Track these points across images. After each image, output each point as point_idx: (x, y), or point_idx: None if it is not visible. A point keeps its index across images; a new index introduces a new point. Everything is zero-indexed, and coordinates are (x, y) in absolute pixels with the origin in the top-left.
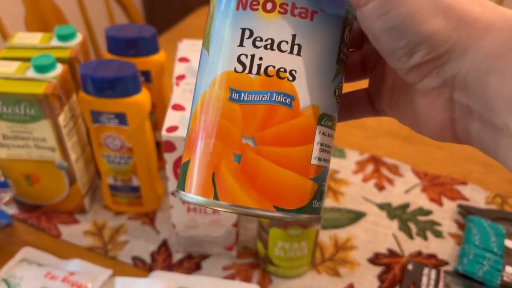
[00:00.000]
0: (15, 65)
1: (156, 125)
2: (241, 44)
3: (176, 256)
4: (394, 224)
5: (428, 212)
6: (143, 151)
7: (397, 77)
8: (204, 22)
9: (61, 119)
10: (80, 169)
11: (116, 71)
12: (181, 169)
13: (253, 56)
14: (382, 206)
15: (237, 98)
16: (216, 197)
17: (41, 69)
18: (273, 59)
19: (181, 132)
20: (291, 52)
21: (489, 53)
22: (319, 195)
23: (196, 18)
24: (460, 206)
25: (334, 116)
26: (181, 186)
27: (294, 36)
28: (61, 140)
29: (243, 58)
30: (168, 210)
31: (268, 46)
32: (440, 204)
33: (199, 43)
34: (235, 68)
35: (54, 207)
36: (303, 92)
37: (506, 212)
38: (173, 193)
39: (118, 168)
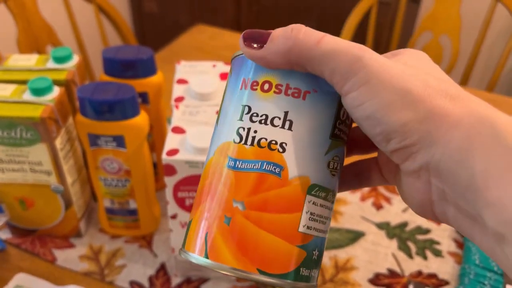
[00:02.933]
0: (11, 88)
1: (153, 146)
2: (240, 119)
3: (175, 280)
4: (394, 243)
5: (427, 231)
6: (141, 173)
7: None
8: (196, 42)
9: (58, 142)
10: (76, 192)
11: (115, 94)
12: (187, 227)
13: (249, 129)
14: (381, 226)
15: (232, 165)
16: (206, 255)
17: (37, 92)
18: (266, 132)
19: (182, 156)
20: (283, 127)
21: (458, 147)
22: (308, 263)
23: (188, 37)
24: None
25: (329, 188)
26: (184, 244)
27: (286, 113)
28: (57, 164)
29: (241, 131)
30: (165, 233)
31: (263, 121)
32: (438, 223)
33: (196, 64)
34: (234, 139)
35: (49, 231)
36: (292, 163)
37: None
38: (173, 216)
39: (115, 191)
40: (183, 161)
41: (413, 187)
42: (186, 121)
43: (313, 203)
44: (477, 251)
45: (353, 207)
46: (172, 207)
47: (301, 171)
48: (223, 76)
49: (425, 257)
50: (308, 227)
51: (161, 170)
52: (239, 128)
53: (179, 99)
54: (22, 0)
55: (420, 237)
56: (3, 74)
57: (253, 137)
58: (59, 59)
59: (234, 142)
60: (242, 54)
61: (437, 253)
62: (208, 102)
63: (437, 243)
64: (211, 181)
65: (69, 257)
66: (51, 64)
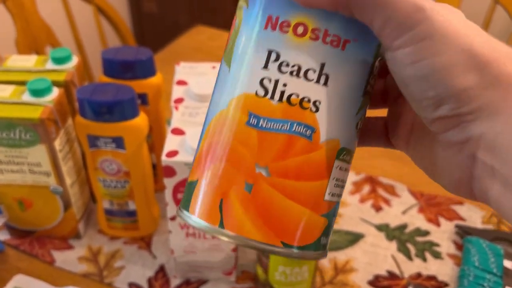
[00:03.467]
0: (10, 88)
1: (153, 148)
2: (265, 67)
3: (174, 282)
4: (393, 245)
5: (426, 233)
6: (140, 175)
7: (418, 119)
8: (196, 43)
9: (57, 143)
10: (75, 194)
11: (114, 95)
12: (187, 187)
13: (277, 81)
14: (380, 227)
15: (255, 123)
16: (221, 225)
17: (37, 93)
18: (298, 87)
19: (181, 157)
20: (318, 81)
21: None
22: (328, 231)
23: (187, 38)
24: (457, 226)
25: (353, 150)
26: (185, 205)
27: (322, 65)
28: (56, 165)
29: (266, 82)
30: (164, 234)
31: (294, 73)
32: (438, 224)
33: (196, 65)
34: (256, 91)
35: (47, 232)
36: (325, 125)
37: (503, 232)
38: (173, 218)
39: (114, 192)
40: (183, 163)
41: (452, 162)
42: (186, 123)
43: (340, 168)
44: (476, 253)
45: (352, 209)
46: (172, 209)
47: (333, 133)
48: None
49: (424, 259)
50: (332, 194)
51: (160, 171)
52: (263, 78)
53: (179, 101)
54: (21, 0)
55: (420, 239)
56: (2, 75)
57: (282, 92)
58: (58, 60)
59: (257, 95)
60: None
61: (437, 255)
62: (207, 104)
63: (437, 245)
64: (225, 139)
65: (68, 259)
66: (50, 65)
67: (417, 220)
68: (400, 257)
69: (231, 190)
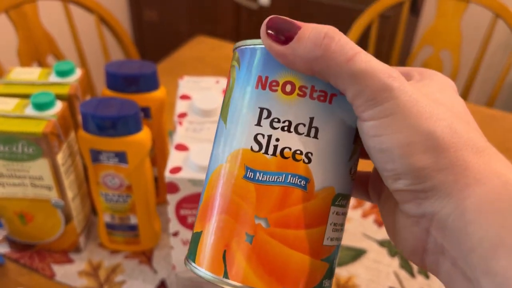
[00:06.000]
0: (13, 102)
1: (155, 161)
2: (258, 124)
3: None
4: (395, 261)
5: None
6: (142, 189)
7: None
8: (197, 53)
9: (59, 157)
10: (76, 207)
11: (118, 110)
12: (193, 238)
13: (270, 137)
14: (383, 243)
15: (252, 177)
16: (226, 275)
17: (40, 106)
18: (289, 141)
19: (185, 173)
20: (308, 135)
21: (474, 206)
22: (329, 274)
23: (189, 48)
24: None
25: (349, 195)
26: (192, 256)
27: (311, 119)
28: (58, 179)
29: (260, 138)
30: (165, 248)
31: (286, 128)
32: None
33: (199, 80)
34: (251, 146)
35: (48, 246)
36: (319, 174)
37: None
38: (175, 234)
39: (116, 207)
40: (186, 179)
41: (408, 231)
42: (190, 138)
43: (336, 213)
44: None
45: (354, 224)
46: (174, 225)
47: (327, 182)
48: None
49: (427, 276)
50: (331, 239)
51: (162, 184)
52: (257, 134)
53: (183, 115)
54: (24, 10)
55: None
56: (5, 88)
57: (275, 146)
58: (62, 73)
59: (252, 150)
60: (254, 45)
61: None
62: (211, 119)
63: None
64: (225, 192)
65: (68, 273)
66: (53, 78)
67: None
68: (403, 273)
69: (233, 241)
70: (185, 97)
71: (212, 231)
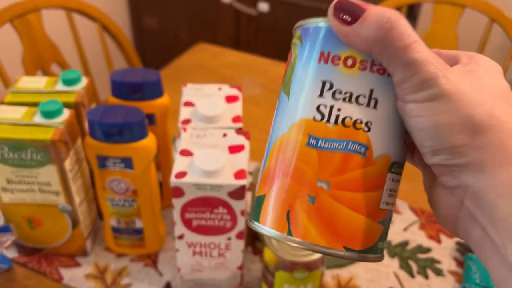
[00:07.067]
0: (22, 110)
1: (159, 166)
2: (321, 95)
3: None
4: (395, 262)
5: (428, 250)
6: (147, 193)
7: None
8: (198, 60)
9: (67, 163)
10: (83, 212)
11: (124, 117)
12: (256, 201)
13: (332, 107)
14: None
15: (314, 144)
16: (289, 232)
17: (48, 114)
18: (350, 111)
19: (190, 178)
20: (368, 105)
21: (506, 183)
22: (384, 236)
23: (190, 55)
24: (458, 243)
25: (403, 163)
26: (256, 217)
27: (371, 91)
28: (66, 184)
29: (322, 108)
30: (170, 251)
31: (347, 99)
32: (439, 241)
33: (202, 87)
34: (314, 116)
35: (55, 250)
36: (377, 143)
37: None
38: (180, 237)
39: (122, 211)
40: (191, 184)
41: (444, 200)
42: (194, 144)
43: (392, 179)
44: (477, 270)
45: None
46: (179, 228)
47: (384, 150)
48: (229, 98)
49: (426, 276)
50: (387, 203)
51: (166, 189)
52: (319, 105)
53: (186, 122)
54: (28, 19)
55: (421, 256)
56: (13, 97)
57: (337, 116)
58: (68, 82)
59: (315, 119)
60: (316, 23)
61: (438, 272)
62: (214, 125)
63: (438, 262)
64: (288, 158)
65: (75, 276)
66: (60, 87)
67: (418, 237)
68: (402, 274)
69: (296, 202)
70: (188, 104)
71: (276, 193)
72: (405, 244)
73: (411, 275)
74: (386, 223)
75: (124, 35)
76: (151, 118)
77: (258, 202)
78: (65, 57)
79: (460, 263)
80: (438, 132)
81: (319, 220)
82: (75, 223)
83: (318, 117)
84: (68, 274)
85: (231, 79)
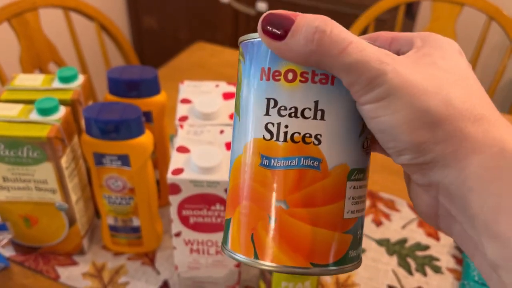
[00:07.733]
0: (18, 107)
1: (156, 164)
2: (267, 113)
3: None
4: (393, 260)
5: (426, 247)
6: (145, 191)
7: None
8: (197, 59)
9: (63, 161)
10: (80, 210)
11: (120, 114)
12: (225, 225)
13: (279, 124)
14: (381, 242)
15: (267, 164)
16: (256, 256)
17: (44, 112)
18: (298, 126)
19: (186, 175)
20: (315, 117)
21: (473, 175)
22: (355, 244)
23: (188, 54)
24: None
25: (365, 168)
26: (226, 242)
27: (316, 102)
28: (62, 182)
29: (270, 127)
30: (167, 250)
31: (293, 114)
32: (437, 238)
33: (200, 84)
34: (263, 135)
35: (52, 248)
36: (330, 154)
37: None
38: (177, 234)
39: (119, 209)
40: (188, 180)
41: (421, 198)
42: (191, 141)
43: (353, 187)
44: (476, 268)
45: None
46: (176, 225)
47: (339, 159)
48: (226, 95)
49: (424, 274)
50: (351, 212)
51: (164, 187)
52: (267, 123)
53: (183, 119)
54: (25, 18)
55: (420, 253)
56: (10, 94)
57: (285, 133)
58: (65, 79)
59: (265, 139)
60: (254, 39)
61: (437, 270)
62: (211, 122)
63: (437, 259)
64: (245, 181)
65: (72, 275)
66: (57, 84)
67: (417, 235)
68: (401, 271)
69: (258, 225)
70: (185, 101)
71: (239, 217)
72: (403, 241)
73: (410, 272)
74: (355, 231)
75: (122, 35)
76: (148, 115)
77: (226, 227)
78: (63, 56)
79: (458, 261)
80: (398, 131)
81: (282, 240)
82: (72, 222)
83: (268, 136)
84: (65, 273)
85: (229, 78)
